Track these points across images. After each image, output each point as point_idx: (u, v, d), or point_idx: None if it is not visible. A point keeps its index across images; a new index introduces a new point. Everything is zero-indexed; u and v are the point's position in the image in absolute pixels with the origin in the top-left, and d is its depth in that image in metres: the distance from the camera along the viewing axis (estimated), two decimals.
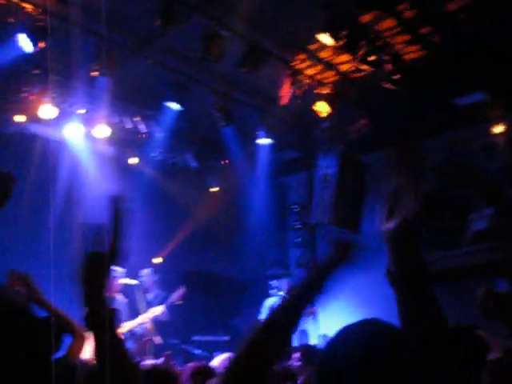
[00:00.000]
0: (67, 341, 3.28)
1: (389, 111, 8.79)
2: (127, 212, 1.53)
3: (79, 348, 3.18)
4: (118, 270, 7.24)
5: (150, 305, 8.28)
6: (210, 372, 4.13)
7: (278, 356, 1.63)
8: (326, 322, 9.10)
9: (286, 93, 8.43)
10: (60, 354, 2.89)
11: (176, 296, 8.35)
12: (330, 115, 8.74)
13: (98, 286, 1.43)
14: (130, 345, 7.59)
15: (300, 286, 1.74)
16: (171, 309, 8.38)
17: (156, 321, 8.10)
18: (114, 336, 1.40)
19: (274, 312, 1.68)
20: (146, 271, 8.60)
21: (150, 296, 8.47)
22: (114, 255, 1.48)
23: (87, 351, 4.62)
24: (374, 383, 1.15)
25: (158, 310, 8.08)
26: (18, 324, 1.03)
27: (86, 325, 1.40)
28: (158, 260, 9.16)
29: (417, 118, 8.55)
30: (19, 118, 8.41)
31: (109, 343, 1.36)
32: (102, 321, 1.38)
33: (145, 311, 7.96)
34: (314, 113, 8.76)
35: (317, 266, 1.75)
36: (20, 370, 0.98)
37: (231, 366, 1.55)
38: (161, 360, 6.72)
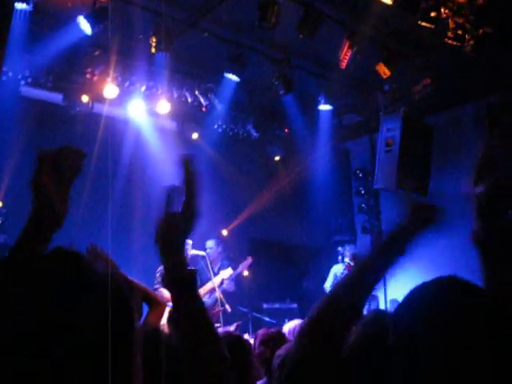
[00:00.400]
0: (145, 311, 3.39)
1: (453, 70, 8.51)
2: (199, 173, 1.51)
3: (158, 317, 3.28)
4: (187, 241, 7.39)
5: (215, 276, 8.44)
6: (280, 338, 4.18)
7: (352, 319, 1.60)
8: (396, 287, 9.01)
9: (344, 56, 8.27)
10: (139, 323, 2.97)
11: (243, 266, 8.48)
12: (391, 77, 8.54)
13: (177, 247, 1.42)
14: None
15: (378, 248, 1.65)
16: (238, 279, 8.53)
17: (224, 292, 8.21)
18: (195, 297, 1.39)
19: (352, 273, 1.62)
20: (210, 243, 8.67)
21: (216, 268, 8.57)
22: (190, 216, 1.47)
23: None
24: (455, 345, 1.05)
25: (226, 273, 8.20)
26: (100, 294, 1.05)
27: (165, 286, 1.38)
28: (224, 232, 9.30)
29: (482, 75, 8.24)
30: (84, 99, 8.64)
31: (189, 305, 1.36)
32: (182, 282, 1.37)
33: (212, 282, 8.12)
34: (375, 75, 8.58)
35: (396, 228, 1.62)
36: (101, 339, 1.01)
37: (306, 329, 1.53)
38: (233, 328, 6.89)
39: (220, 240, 8.96)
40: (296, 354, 1.52)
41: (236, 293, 8.59)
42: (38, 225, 1.49)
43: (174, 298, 1.39)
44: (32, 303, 1.00)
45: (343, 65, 8.17)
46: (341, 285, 1.64)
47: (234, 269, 8.41)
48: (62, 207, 1.51)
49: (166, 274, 1.39)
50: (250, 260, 8.57)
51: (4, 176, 8.03)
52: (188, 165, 1.49)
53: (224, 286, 8.19)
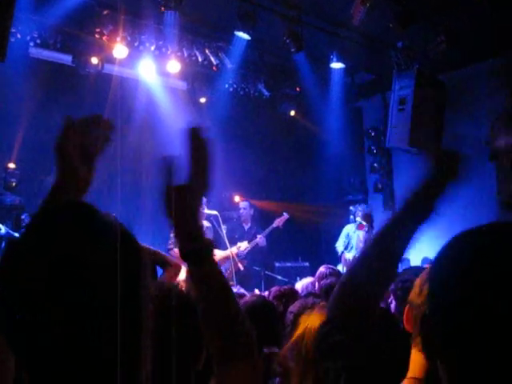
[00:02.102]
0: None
1: (467, 26, 8.34)
2: (207, 142, 1.44)
3: (172, 277, 3.32)
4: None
5: (245, 235, 8.88)
6: (293, 294, 4.24)
7: (385, 283, 1.55)
8: (427, 247, 9.01)
9: (357, 12, 8.11)
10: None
11: (279, 221, 8.93)
12: (405, 34, 8.39)
13: (189, 220, 1.37)
14: None
15: (406, 207, 1.50)
16: (270, 234, 8.97)
17: (256, 248, 8.71)
18: (213, 269, 1.37)
19: (379, 236, 1.52)
20: (244, 204, 9.17)
21: (246, 227, 9.08)
22: (199, 188, 1.42)
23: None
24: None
25: (242, 246, 8.46)
26: (112, 242, 1.07)
27: (182, 258, 1.36)
28: (238, 199, 9.38)
29: (498, 32, 8.07)
30: (93, 60, 8.58)
31: (207, 277, 1.35)
32: (198, 254, 1.35)
33: (225, 240, 8.27)
34: (388, 32, 8.43)
35: (423, 184, 1.49)
36: (115, 296, 1.02)
37: (339, 295, 1.51)
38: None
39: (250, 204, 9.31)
40: (331, 323, 1.51)
41: (252, 251, 8.78)
42: (62, 191, 1.49)
43: (189, 269, 1.36)
44: (46, 254, 1.02)
45: (355, 21, 8.02)
46: (370, 249, 1.55)
47: (259, 232, 8.84)
48: (88, 175, 1.49)
49: (180, 247, 1.36)
50: (285, 216, 9.00)
51: (16, 138, 8.06)
52: (196, 135, 1.43)
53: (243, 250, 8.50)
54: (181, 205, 1.35)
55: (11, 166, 7.90)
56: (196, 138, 1.41)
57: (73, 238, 1.03)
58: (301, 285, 5.40)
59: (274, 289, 4.54)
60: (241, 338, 1.31)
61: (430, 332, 1.02)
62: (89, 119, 1.48)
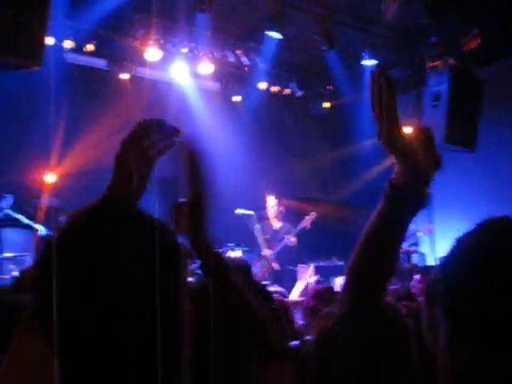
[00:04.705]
0: None
1: (501, 18, 8.19)
2: (201, 153, 1.41)
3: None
4: None
5: (276, 234, 8.60)
6: (332, 293, 4.22)
7: (383, 274, 1.53)
8: (445, 243, 8.94)
9: (389, 8, 8.04)
10: None
11: (307, 221, 8.63)
12: (437, 28, 8.29)
13: (197, 237, 1.39)
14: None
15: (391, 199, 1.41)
16: (301, 234, 8.68)
17: (285, 248, 8.45)
18: (230, 285, 1.39)
19: (374, 225, 1.46)
20: (271, 200, 8.72)
21: (277, 226, 8.68)
22: (200, 201, 1.41)
23: None
24: None
25: (267, 252, 8.37)
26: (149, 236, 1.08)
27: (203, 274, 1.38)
28: (271, 197, 9.24)
29: None
30: (127, 63, 8.70)
31: (226, 292, 1.37)
32: (215, 271, 1.38)
33: (262, 241, 8.26)
34: (421, 27, 8.34)
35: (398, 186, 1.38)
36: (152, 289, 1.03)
37: (345, 289, 1.51)
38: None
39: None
40: (339, 310, 1.51)
41: (283, 251, 8.71)
42: (115, 193, 1.48)
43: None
44: (83, 252, 1.03)
45: (387, 17, 7.96)
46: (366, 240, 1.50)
47: (291, 230, 8.60)
48: (142, 182, 1.44)
49: (200, 265, 1.39)
50: (313, 215, 8.70)
51: (54, 142, 8.20)
52: (189, 149, 1.42)
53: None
54: (186, 220, 1.37)
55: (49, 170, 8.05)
56: (188, 153, 1.40)
57: (111, 236, 1.05)
58: (339, 283, 5.36)
59: (311, 287, 4.51)
60: (272, 338, 1.32)
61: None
62: (153, 122, 1.46)
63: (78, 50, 8.44)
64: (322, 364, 1.42)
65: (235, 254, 8.13)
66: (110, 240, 1.05)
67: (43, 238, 7.38)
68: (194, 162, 1.40)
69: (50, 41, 7.56)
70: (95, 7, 7.68)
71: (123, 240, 1.05)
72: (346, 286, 1.53)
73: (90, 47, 8.47)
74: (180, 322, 1.09)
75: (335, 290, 4.76)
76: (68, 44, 8.19)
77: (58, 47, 8.03)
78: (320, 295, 4.13)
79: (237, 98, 10.26)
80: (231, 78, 10.06)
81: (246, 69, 9.66)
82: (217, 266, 1.38)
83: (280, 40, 8.60)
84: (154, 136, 1.40)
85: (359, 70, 10.01)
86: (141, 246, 1.05)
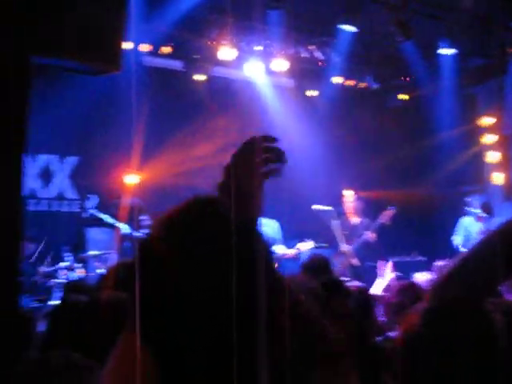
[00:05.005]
0: None
1: None
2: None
3: None
4: None
5: (354, 230, 8.49)
6: (416, 289, 4.12)
7: (497, 279, 1.49)
8: None
9: None
10: None
11: (385, 217, 8.48)
12: None
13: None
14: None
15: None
16: (380, 230, 8.54)
17: (364, 243, 8.34)
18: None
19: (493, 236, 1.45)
20: (349, 195, 8.63)
21: (355, 222, 8.60)
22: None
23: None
24: None
25: (346, 248, 8.26)
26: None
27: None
28: (349, 192, 9.09)
29: None
30: (203, 64, 8.85)
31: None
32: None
33: (341, 236, 8.17)
34: (500, 12, 8.01)
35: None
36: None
37: (444, 283, 1.48)
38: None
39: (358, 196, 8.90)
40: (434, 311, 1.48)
41: (362, 247, 8.60)
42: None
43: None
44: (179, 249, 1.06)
45: (465, 4, 7.70)
46: (484, 246, 1.48)
47: (370, 225, 8.49)
48: (256, 202, 1.30)
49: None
50: (392, 210, 8.54)
51: (133, 146, 8.44)
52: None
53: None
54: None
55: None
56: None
57: (203, 232, 1.07)
58: (422, 279, 5.22)
59: (393, 283, 4.44)
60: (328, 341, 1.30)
61: None
62: (267, 138, 1.40)
63: (155, 52, 8.65)
64: (409, 361, 1.40)
65: (306, 245, 8.09)
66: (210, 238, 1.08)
67: (127, 237, 7.62)
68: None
69: (127, 45, 7.79)
70: (170, 10, 7.84)
71: (225, 238, 1.07)
72: (442, 284, 1.50)
73: (166, 49, 8.67)
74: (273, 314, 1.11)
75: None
76: (145, 47, 8.41)
77: (135, 51, 8.25)
78: (405, 291, 4.04)
79: (312, 93, 10.23)
80: (306, 73, 10.03)
81: (320, 64, 9.60)
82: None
83: (354, 33, 8.49)
84: (265, 155, 1.34)
85: (436, 59, 9.75)
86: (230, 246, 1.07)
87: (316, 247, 8.11)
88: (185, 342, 1.05)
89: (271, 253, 1.18)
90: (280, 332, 1.12)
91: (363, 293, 3.71)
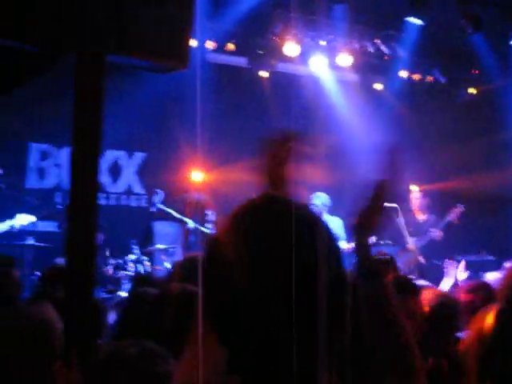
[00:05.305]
0: None
1: None
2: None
3: None
4: None
5: (420, 227, 8.38)
6: (488, 288, 4.02)
7: None
8: None
9: None
10: None
11: (453, 214, 8.34)
12: None
13: (367, 236, 1.46)
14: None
15: None
16: (447, 228, 8.39)
17: (430, 241, 8.21)
18: (383, 289, 1.39)
19: None
20: (416, 193, 8.57)
21: (421, 219, 8.50)
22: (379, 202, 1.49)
23: None
24: None
25: (412, 245, 8.11)
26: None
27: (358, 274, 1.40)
28: (415, 189, 8.91)
29: None
30: (268, 59, 8.88)
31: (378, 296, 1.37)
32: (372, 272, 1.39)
33: (406, 234, 8.06)
34: None
35: None
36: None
37: None
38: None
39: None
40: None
41: (428, 244, 8.44)
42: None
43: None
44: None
45: None
46: None
47: (437, 223, 8.35)
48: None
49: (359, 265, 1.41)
50: (460, 208, 8.40)
51: (199, 144, 8.53)
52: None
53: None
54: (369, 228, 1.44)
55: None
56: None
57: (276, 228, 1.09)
58: (493, 278, 5.07)
59: (462, 285, 4.36)
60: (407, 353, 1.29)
61: None
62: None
63: (220, 49, 8.73)
64: (482, 361, 1.38)
65: None
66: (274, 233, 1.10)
67: (192, 232, 7.74)
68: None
69: (193, 42, 7.90)
70: (234, 6, 7.90)
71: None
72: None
73: (230, 46, 8.73)
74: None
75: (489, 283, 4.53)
76: (210, 45, 8.50)
77: (200, 48, 8.35)
78: (477, 291, 3.95)
79: (378, 86, 10.09)
80: (371, 67, 9.90)
81: (386, 58, 9.46)
82: (371, 269, 1.38)
83: (421, 26, 8.31)
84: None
85: (507, 51, 9.44)
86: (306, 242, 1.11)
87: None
88: (253, 336, 1.07)
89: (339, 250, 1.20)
90: (358, 331, 1.13)
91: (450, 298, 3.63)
